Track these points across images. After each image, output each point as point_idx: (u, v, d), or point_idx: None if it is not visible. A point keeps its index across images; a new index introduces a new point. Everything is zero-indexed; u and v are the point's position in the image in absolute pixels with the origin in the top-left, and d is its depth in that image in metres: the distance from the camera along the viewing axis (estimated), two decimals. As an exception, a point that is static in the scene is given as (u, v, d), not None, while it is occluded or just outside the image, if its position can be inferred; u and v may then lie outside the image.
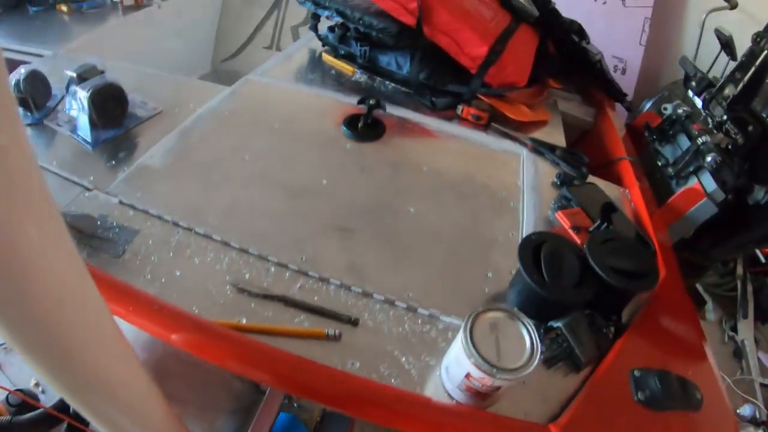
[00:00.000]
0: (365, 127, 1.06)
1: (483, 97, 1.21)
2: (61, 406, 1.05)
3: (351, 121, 1.07)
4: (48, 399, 1.43)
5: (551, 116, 1.29)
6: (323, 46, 1.38)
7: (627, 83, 2.15)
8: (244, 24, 2.03)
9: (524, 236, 0.78)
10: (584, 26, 1.47)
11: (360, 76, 1.30)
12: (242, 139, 0.99)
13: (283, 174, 0.92)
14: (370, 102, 1.07)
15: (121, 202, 0.85)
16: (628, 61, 2.15)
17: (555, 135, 1.22)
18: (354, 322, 0.69)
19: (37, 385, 1.48)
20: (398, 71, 1.26)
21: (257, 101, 1.12)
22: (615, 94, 1.51)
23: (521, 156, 1.09)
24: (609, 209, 0.87)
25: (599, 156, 1.25)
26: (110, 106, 0.98)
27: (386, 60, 1.27)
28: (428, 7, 1.16)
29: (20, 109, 1.04)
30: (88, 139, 0.97)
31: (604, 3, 2.09)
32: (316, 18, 1.36)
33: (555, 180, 1.02)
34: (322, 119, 1.08)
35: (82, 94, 0.94)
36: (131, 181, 0.89)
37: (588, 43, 1.53)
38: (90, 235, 0.80)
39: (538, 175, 1.04)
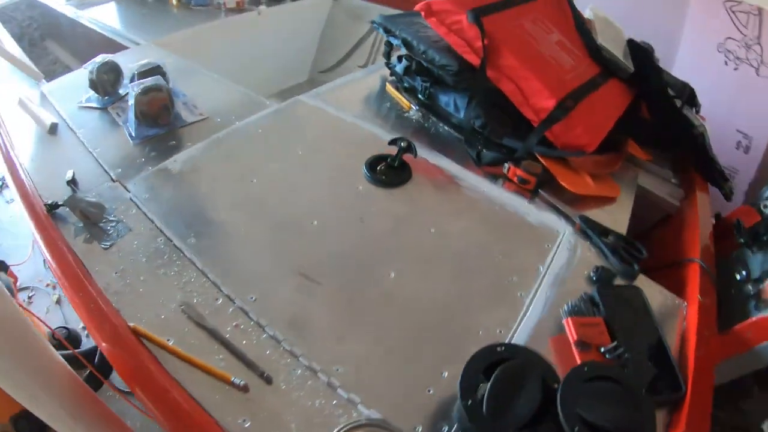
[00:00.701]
0: (388, 171, 1.02)
1: (540, 158, 1.06)
2: (89, 353, 1.16)
3: (374, 162, 1.03)
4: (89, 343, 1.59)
5: (621, 193, 1.09)
6: (391, 75, 1.36)
7: (748, 164, 1.83)
8: (346, 38, 2.07)
9: (495, 343, 0.65)
10: (710, 92, 1.24)
11: (415, 113, 1.26)
12: (260, 161, 1.01)
13: (279, 205, 0.92)
14: (402, 144, 1.02)
15: (130, 199, 0.91)
16: (755, 139, 1.82)
17: (618, 216, 1.03)
18: (267, 379, 0.66)
19: (83, 328, 1.66)
20: (455, 114, 1.18)
21: (295, 123, 1.13)
22: (713, 176, 1.26)
23: (561, 235, 0.93)
24: (640, 327, 0.71)
25: (673, 251, 1.05)
26: (155, 107, 1.05)
27: (446, 100, 1.20)
28: (495, 48, 1.06)
29: (91, 92, 1.16)
30: (132, 133, 1.05)
31: (736, 69, 1.80)
32: (389, 45, 1.34)
33: (591, 273, 0.85)
34: (350, 153, 1.06)
35: (133, 92, 1.02)
36: (148, 181, 0.95)
37: (698, 112, 1.32)
38: (94, 222, 0.87)
39: (573, 263, 0.88)
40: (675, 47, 1.87)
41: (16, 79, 1.39)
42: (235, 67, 1.47)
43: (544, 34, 1.16)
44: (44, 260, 0.80)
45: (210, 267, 0.79)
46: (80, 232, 0.86)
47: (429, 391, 0.67)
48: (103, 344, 0.68)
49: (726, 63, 1.81)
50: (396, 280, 0.82)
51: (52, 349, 0.83)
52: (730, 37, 1.78)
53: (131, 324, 0.70)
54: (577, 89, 1.09)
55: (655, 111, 1.28)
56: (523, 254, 0.89)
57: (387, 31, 1.25)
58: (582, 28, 1.24)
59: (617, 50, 1.23)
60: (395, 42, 1.25)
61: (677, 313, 0.83)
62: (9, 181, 0.93)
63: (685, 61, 1.27)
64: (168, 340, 0.69)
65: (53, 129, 1.12)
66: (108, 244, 0.83)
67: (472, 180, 1.06)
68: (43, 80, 1.36)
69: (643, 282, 0.86)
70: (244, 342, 0.70)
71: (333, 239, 0.87)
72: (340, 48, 2.10)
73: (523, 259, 0.88)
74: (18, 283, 1.68)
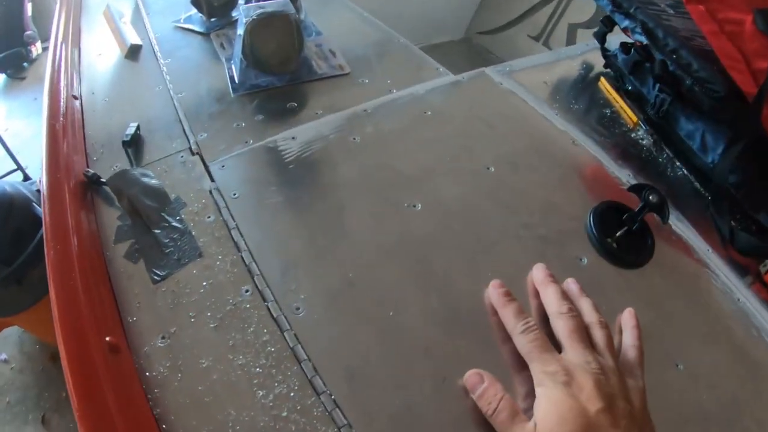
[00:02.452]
0: (625, 238, 0.60)
1: None
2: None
3: (605, 215, 0.61)
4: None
5: None
6: (605, 67, 0.91)
7: None
8: (515, 1, 1.63)
9: None
10: None
11: (643, 136, 0.81)
12: (428, 169, 0.60)
13: (460, 265, 0.52)
14: (650, 197, 0.60)
15: (210, 193, 0.55)
16: None
17: None
18: None
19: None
20: (701, 154, 0.75)
21: (481, 112, 0.71)
22: None
23: None
24: None
25: None
26: (273, 44, 0.68)
27: (689, 129, 0.77)
28: None
29: (194, 10, 0.80)
30: (236, 78, 0.69)
31: None
32: (608, 24, 0.89)
33: None
34: (566, 188, 0.64)
35: (246, 17, 0.65)
36: (245, 164, 0.58)
37: None
38: (147, 225, 0.51)
39: None
40: None
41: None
42: (381, 6, 1.08)
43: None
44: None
45: (326, 376, 0.42)
46: (125, 236, 0.51)
47: None
48: None
49: None
50: None
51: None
52: None
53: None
54: None
55: None
56: None
57: (615, 5, 0.82)
58: None
59: None
60: (625, 23, 0.82)
61: None
62: (44, 121, 0.59)
63: None
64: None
65: (134, 52, 0.78)
66: (161, 274, 0.48)
67: (723, 274, 0.63)
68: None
69: None
70: None
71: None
72: (507, 8, 1.65)
73: None
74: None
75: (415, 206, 0.55)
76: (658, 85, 0.80)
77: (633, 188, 0.63)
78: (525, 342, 0.41)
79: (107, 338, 0.42)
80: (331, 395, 0.41)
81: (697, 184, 0.77)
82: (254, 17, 0.67)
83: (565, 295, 0.46)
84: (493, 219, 0.56)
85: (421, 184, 0.58)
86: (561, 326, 0.42)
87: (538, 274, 0.48)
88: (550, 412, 0.36)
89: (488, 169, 0.62)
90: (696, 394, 0.50)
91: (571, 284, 0.49)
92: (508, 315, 0.43)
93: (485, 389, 0.40)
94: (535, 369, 0.39)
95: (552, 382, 0.38)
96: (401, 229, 0.53)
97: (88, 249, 0.49)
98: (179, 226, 0.51)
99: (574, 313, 0.44)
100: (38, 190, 1.12)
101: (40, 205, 1.05)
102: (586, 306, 0.46)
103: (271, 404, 0.40)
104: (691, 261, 0.63)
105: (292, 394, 0.41)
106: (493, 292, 0.46)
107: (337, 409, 0.40)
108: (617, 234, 0.60)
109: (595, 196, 0.64)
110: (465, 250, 0.53)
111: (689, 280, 0.61)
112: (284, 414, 0.40)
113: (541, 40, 1.58)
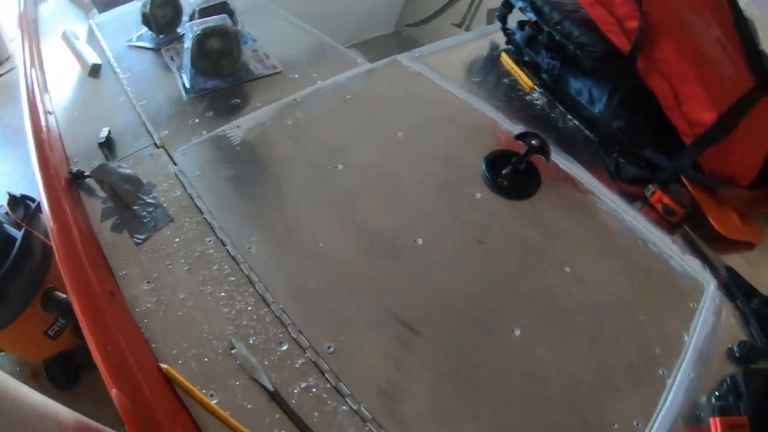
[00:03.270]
0: (513, 175, 0.76)
1: (687, 184, 0.81)
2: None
3: (497, 161, 0.77)
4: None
5: (764, 239, 0.83)
6: (507, 43, 1.07)
7: None
8: (440, -9, 1.78)
9: None
10: None
11: (538, 97, 0.98)
12: (348, 139, 0.76)
13: (374, 208, 0.67)
14: (533, 142, 0.75)
15: (175, 175, 0.68)
16: None
17: (761, 270, 0.77)
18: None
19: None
20: (589, 107, 0.92)
21: (393, 93, 0.87)
22: None
23: (705, 292, 0.69)
24: None
25: None
26: (216, 53, 0.81)
27: (578, 87, 0.93)
28: (652, 34, 0.80)
29: (144, 29, 0.93)
30: (187, 84, 0.82)
31: None
32: (507, 6, 1.05)
33: (735, 349, 0.62)
34: (463, 143, 0.80)
35: (191, 32, 0.79)
36: (201, 151, 0.72)
37: None
38: (126, 204, 0.65)
39: (717, 332, 0.65)
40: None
41: (65, 11, 1.18)
42: (311, 8, 1.21)
43: (705, 27, 0.87)
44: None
45: (274, 292, 0.56)
46: (109, 214, 0.64)
47: None
48: (114, 391, 0.46)
49: None
50: (521, 341, 0.58)
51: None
52: None
53: (163, 366, 0.49)
54: (737, 103, 0.82)
55: None
56: (667, 315, 0.66)
57: (509, -12, 0.99)
58: (742, 26, 0.93)
59: None
60: (519, 4, 0.98)
61: None
62: (29, 135, 0.72)
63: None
64: (211, 395, 0.48)
65: (95, 71, 0.90)
66: (141, 237, 0.61)
67: (609, 200, 0.79)
68: (94, 11, 1.15)
69: None
70: (315, 414, 0.48)
71: (442, 269, 0.62)
72: (432, 2, 1.80)
73: (666, 322, 0.65)
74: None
75: (337, 167, 0.70)
76: (548, 54, 0.97)
77: (519, 136, 0.77)
78: None
79: (107, 287, 0.56)
80: (279, 305, 0.55)
81: (587, 132, 0.93)
82: (199, 32, 0.81)
83: None
84: (402, 172, 0.72)
85: (342, 151, 0.73)
86: None
87: None
88: None
89: (397, 135, 0.77)
90: (583, 293, 0.65)
91: None
92: None
93: None
94: None
95: None
96: (327, 185, 0.68)
97: (82, 227, 0.62)
98: (153, 201, 0.65)
99: None
100: (7, 213, 1.18)
101: (8, 225, 1.15)
102: None
103: (234, 317, 0.54)
104: (578, 192, 0.79)
105: (249, 308, 0.55)
106: None
107: (284, 314, 0.55)
108: (505, 172, 0.75)
109: (490, 147, 0.79)
110: (378, 195, 0.68)
111: (576, 206, 0.77)
112: (245, 323, 0.54)
113: (464, 26, 1.74)
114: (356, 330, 0.55)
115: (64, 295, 1.18)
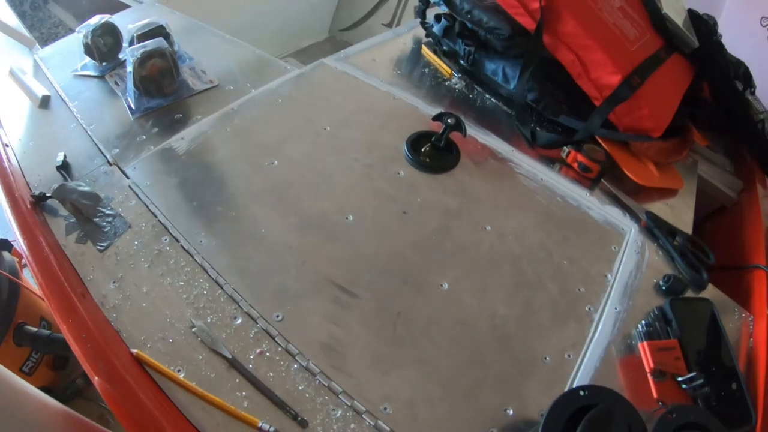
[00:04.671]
0: (433, 152, 0.86)
1: (601, 141, 0.92)
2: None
3: (417, 141, 0.87)
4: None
5: (684, 185, 0.95)
6: (427, 36, 1.17)
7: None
8: (369, -7, 1.87)
9: (577, 387, 0.52)
10: (750, 68, 1.13)
11: (458, 82, 1.08)
12: (281, 138, 0.85)
13: (307, 194, 0.76)
14: (449, 121, 0.85)
15: (129, 187, 0.76)
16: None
17: (682, 212, 0.89)
18: (301, 423, 0.53)
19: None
20: (504, 84, 1.02)
21: (320, 93, 0.96)
22: None
23: (627, 235, 0.80)
24: (713, 350, 0.61)
25: (730, 249, 0.91)
26: (157, 74, 0.89)
27: (493, 68, 1.03)
28: (554, 11, 0.90)
29: (87, 59, 1.00)
30: (132, 106, 0.90)
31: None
32: (424, 2, 1.16)
33: (661, 283, 0.73)
34: (386, 129, 0.90)
35: (131, 57, 0.87)
36: (150, 164, 0.80)
37: (753, 93, 1.16)
38: (87, 217, 0.73)
39: (641, 269, 0.75)
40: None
41: (9, 48, 1.24)
42: (246, 24, 1.29)
43: (607, -1, 0.98)
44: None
45: (226, 275, 0.65)
46: (72, 229, 0.72)
47: (495, 434, 0.54)
48: (97, 379, 0.55)
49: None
50: (449, 292, 0.67)
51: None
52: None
53: (134, 351, 0.57)
54: (643, 64, 0.94)
55: (717, 92, 1.14)
56: (589, 259, 0.76)
57: (423, -16, 1.09)
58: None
59: (679, 21, 1.07)
60: None
61: (742, 328, 0.71)
62: (-10, 167, 0.79)
63: (725, 34, 1.12)
64: (178, 371, 0.56)
65: (45, 102, 0.97)
66: (104, 245, 0.69)
67: (527, 164, 0.90)
68: (37, 46, 1.21)
69: (711, 293, 0.74)
70: (271, 374, 0.57)
71: (372, 238, 0.72)
72: (362, 3, 1.89)
73: (588, 264, 0.75)
74: (23, 261, 1.58)
75: (273, 163, 0.80)
76: (463, 41, 1.07)
77: (435, 117, 0.87)
78: None
79: (78, 290, 0.64)
80: (231, 286, 0.64)
81: (505, 108, 1.04)
82: (138, 56, 0.89)
83: None
84: (330, 161, 0.82)
85: (276, 149, 0.82)
86: None
87: None
88: None
89: (325, 129, 0.87)
90: (505, 246, 0.74)
91: None
92: None
93: None
94: None
95: None
96: (265, 179, 0.77)
97: (50, 242, 0.69)
98: (111, 212, 0.73)
99: None
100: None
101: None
102: None
103: (193, 301, 0.63)
104: (496, 161, 0.89)
105: (205, 291, 0.64)
106: None
107: (236, 293, 0.63)
108: (425, 150, 0.85)
109: (412, 131, 0.88)
110: (310, 183, 0.77)
111: (495, 173, 0.87)
112: (202, 305, 0.63)
113: (393, 25, 1.84)
114: (300, 299, 0.64)
115: (35, 329, 1.23)
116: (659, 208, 0.87)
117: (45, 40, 1.29)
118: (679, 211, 0.89)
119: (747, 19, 1.63)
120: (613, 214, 0.83)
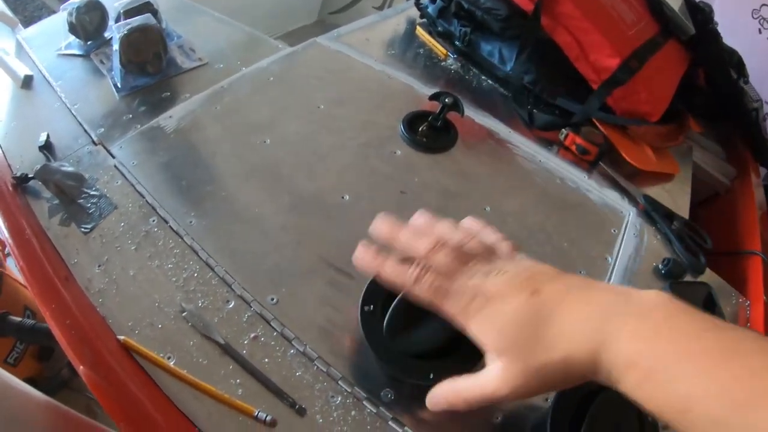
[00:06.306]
0: (430, 132, 0.83)
1: (599, 125, 0.91)
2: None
3: (414, 120, 0.84)
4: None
5: (680, 170, 0.94)
6: (421, 17, 1.14)
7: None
8: (359, -25, 1.84)
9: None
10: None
11: (453, 63, 1.06)
12: (273, 117, 0.82)
13: (301, 174, 0.73)
14: (446, 100, 0.83)
15: (115, 167, 0.73)
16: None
17: (678, 197, 0.87)
18: (299, 411, 0.51)
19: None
20: (500, 66, 1.00)
21: (313, 71, 0.93)
22: (765, 157, 1.15)
23: (626, 218, 0.78)
24: None
25: (723, 235, 0.91)
26: (145, 51, 0.86)
27: (489, 49, 1.01)
28: None
29: (72, 37, 0.97)
30: (118, 84, 0.87)
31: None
32: (419, -19, 1.13)
33: (660, 266, 0.71)
34: (383, 109, 0.87)
35: (118, 34, 0.83)
36: (137, 143, 0.77)
37: (746, 82, 1.15)
38: (71, 199, 0.70)
39: (641, 252, 0.74)
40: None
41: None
42: (233, 5, 1.25)
43: (605, -19, 0.97)
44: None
45: (217, 257, 0.62)
46: (56, 211, 0.69)
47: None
48: (82, 368, 0.52)
49: (760, 31, 1.60)
50: None
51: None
52: (765, 4, 1.59)
53: (121, 337, 0.54)
54: (640, 48, 0.93)
55: (712, 79, 1.13)
56: (589, 241, 0.74)
57: (417, -37, 1.06)
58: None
59: (675, 7, 1.07)
60: None
61: (739, 312, 0.71)
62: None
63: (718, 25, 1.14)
64: (168, 358, 0.54)
65: (27, 82, 0.93)
66: (88, 227, 0.66)
67: (525, 146, 0.88)
68: (20, 27, 1.17)
69: (709, 277, 0.73)
70: (266, 360, 0.54)
71: (370, 218, 0.69)
72: (353, -13, 1.87)
73: (589, 247, 0.73)
74: (6, 249, 1.54)
75: (265, 142, 0.77)
76: (459, 22, 1.05)
77: (432, 96, 0.84)
78: (424, 290, 0.42)
79: (62, 274, 0.61)
80: (223, 268, 0.61)
81: (502, 90, 1.01)
82: (125, 33, 0.85)
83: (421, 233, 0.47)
84: (324, 139, 0.79)
85: (268, 127, 0.79)
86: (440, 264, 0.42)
87: (382, 227, 0.50)
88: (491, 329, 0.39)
89: (319, 107, 0.84)
90: (505, 228, 0.70)
91: (417, 219, 0.51)
92: (390, 274, 0.45)
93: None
94: (450, 307, 0.41)
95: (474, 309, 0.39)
96: (257, 157, 0.74)
97: (33, 225, 0.67)
98: (96, 193, 0.70)
99: (443, 247, 0.44)
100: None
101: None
102: (444, 231, 0.47)
103: (182, 284, 0.60)
104: (494, 142, 0.87)
105: (195, 274, 0.61)
106: (363, 259, 0.48)
107: (228, 275, 0.61)
108: (422, 129, 0.83)
109: (408, 110, 0.86)
110: (304, 162, 0.75)
111: (493, 155, 0.85)
112: (192, 288, 0.60)
113: (385, 7, 1.81)
114: (295, 280, 0.61)
115: (19, 318, 1.20)
116: (656, 192, 0.86)
117: (28, 23, 1.25)
118: (676, 196, 0.88)
119: (739, 11, 1.63)
120: (611, 197, 0.82)
